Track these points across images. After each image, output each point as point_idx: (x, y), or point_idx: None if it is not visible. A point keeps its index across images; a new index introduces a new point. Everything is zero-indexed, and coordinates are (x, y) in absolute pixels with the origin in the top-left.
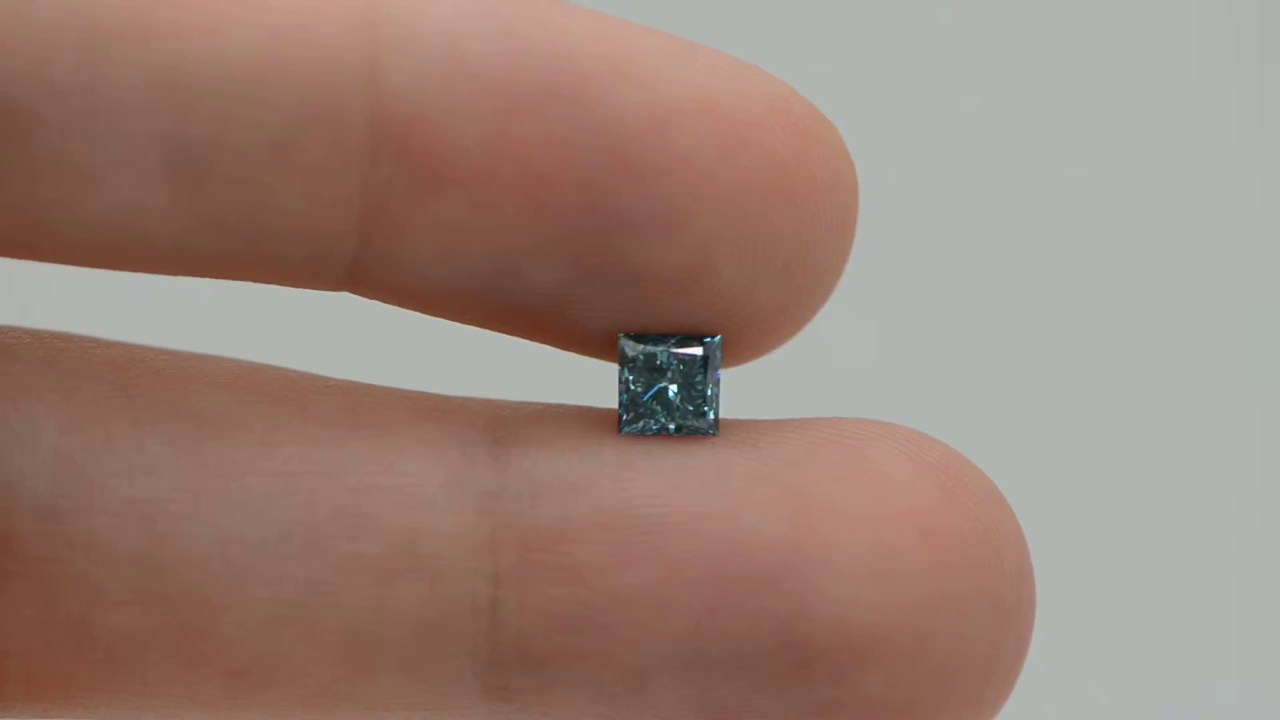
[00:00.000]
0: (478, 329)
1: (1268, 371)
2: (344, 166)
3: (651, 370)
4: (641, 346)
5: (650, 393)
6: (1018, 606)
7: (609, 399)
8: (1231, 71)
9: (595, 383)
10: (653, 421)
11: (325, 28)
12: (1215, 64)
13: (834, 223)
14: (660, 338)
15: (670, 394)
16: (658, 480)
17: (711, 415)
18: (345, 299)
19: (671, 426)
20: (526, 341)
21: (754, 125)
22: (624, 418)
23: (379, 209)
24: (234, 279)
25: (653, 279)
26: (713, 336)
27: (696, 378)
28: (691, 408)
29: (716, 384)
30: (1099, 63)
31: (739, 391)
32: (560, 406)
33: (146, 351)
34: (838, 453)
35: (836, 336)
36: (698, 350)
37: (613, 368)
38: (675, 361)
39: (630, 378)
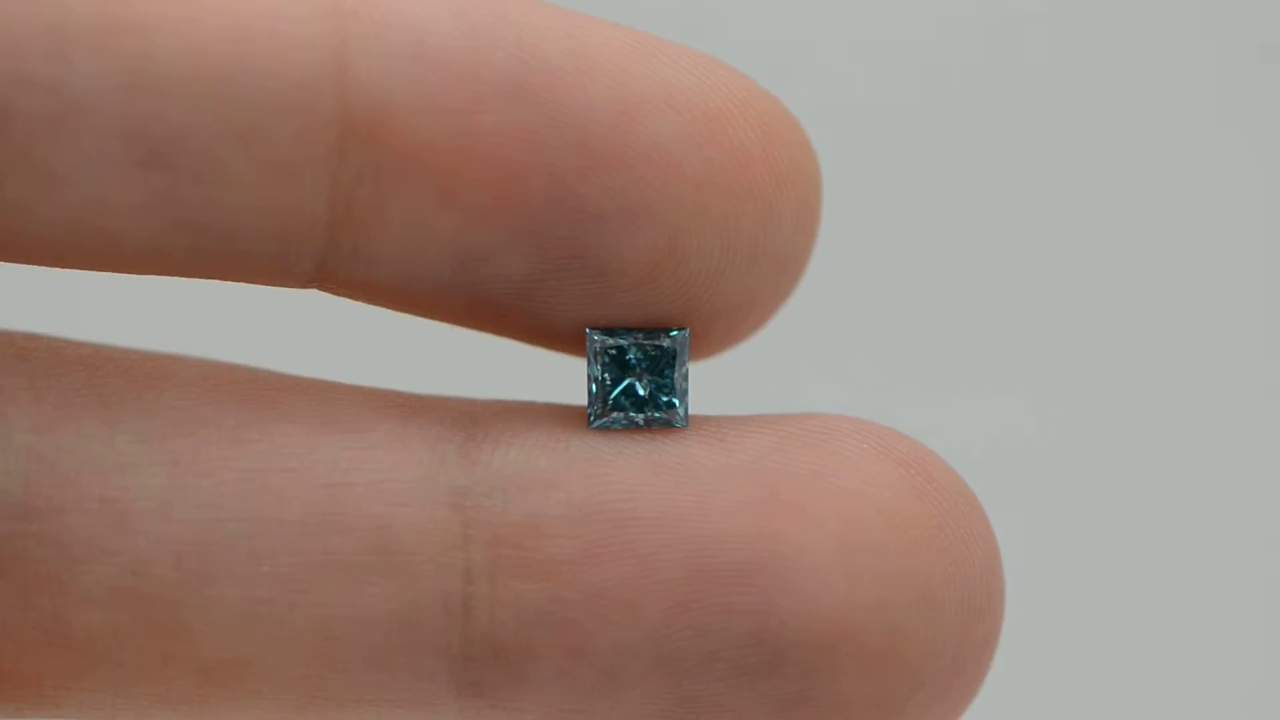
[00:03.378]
0: (447, 326)
1: (1243, 371)
2: (313, 159)
3: (620, 364)
4: (609, 340)
5: (619, 387)
6: (987, 602)
7: (578, 395)
8: (1229, 71)
9: (565, 378)
10: (622, 416)
11: (293, 21)
12: (1202, 63)
13: (798, 214)
14: (628, 331)
15: (639, 388)
16: (628, 475)
17: (680, 409)
18: (315, 296)
19: (640, 420)
20: (496, 338)
21: (718, 117)
22: (593, 412)
23: (347, 202)
24: (203, 277)
25: (620, 270)
26: (680, 329)
27: (665, 371)
28: (660, 401)
29: (685, 377)
30: (1073, 59)
31: (708, 386)
32: (530, 403)
33: (117, 351)
34: (807, 448)
35: (806, 331)
36: (665, 343)
37: (582, 363)
38: (643, 355)
39: (598, 372)
